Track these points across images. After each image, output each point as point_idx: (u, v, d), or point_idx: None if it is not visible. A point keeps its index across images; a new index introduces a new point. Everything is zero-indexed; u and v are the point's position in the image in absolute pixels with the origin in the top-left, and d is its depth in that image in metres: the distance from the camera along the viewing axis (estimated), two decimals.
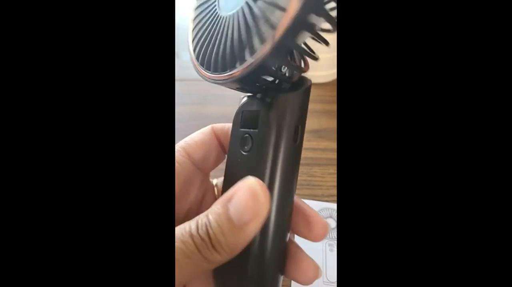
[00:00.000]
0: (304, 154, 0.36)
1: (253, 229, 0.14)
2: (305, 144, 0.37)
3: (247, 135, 0.16)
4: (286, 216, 0.16)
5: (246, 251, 0.15)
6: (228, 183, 0.17)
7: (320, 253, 0.27)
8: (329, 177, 0.34)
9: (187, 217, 0.20)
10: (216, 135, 0.20)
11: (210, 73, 0.14)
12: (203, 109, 0.45)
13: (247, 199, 0.14)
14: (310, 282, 0.18)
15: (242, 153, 0.16)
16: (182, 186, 0.19)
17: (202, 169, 0.20)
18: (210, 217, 0.14)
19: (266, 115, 0.15)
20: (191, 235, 0.14)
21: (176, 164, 0.19)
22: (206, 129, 0.20)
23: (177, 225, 0.19)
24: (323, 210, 0.31)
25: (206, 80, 0.15)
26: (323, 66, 0.46)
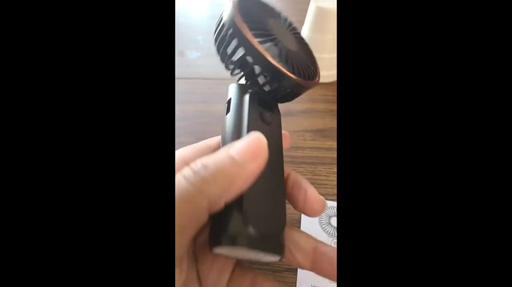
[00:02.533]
0: (308, 153, 0.36)
1: (253, 169, 0.15)
2: (310, 143, 0.37)
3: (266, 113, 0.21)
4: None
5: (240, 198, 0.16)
6: None
7: None
8: (334, 176, 0.34)
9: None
10: None
11: (299, 78, 0.21)
12: (208, 107, 0.45)
13: (249, 141, 0.15)
14: (317, 215, 0.19)
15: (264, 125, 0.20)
16: None
17: None
18: (209, 156, 0.15)
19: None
20: (190, 168, 0.14)
21: None
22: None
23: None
24: (328, 209, 0.30)
25: (292, 80, 0.20)
26: (326, 66, 0.46)
